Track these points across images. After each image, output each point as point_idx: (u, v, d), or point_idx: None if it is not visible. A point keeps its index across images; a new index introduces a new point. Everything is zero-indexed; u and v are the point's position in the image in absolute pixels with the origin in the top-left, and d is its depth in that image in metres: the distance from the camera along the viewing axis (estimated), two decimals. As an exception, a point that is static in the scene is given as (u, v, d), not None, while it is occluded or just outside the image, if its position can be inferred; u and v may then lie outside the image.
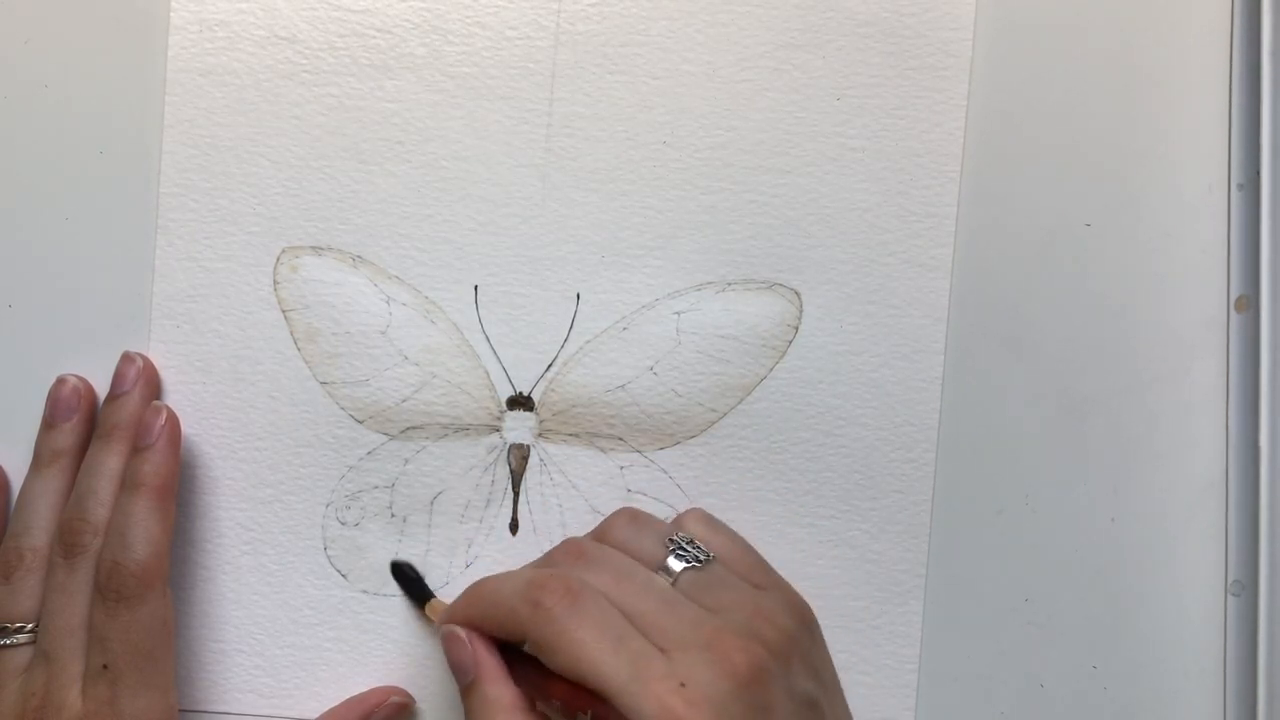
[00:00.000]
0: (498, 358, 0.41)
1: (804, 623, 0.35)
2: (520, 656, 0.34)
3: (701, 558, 0.35)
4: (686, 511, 0.38)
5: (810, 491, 0.41)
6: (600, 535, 0.37)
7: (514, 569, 0.37)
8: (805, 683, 0.34)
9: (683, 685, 0.31)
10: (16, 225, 0.41)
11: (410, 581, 0.41)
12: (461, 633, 0.35)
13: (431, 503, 0.41)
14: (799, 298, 0.41)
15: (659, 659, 0.32)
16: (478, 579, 0.36)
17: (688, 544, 0.36)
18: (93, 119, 0.41)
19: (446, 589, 0.41)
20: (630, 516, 0.37)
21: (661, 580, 0.35)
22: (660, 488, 0.41)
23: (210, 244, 0.41)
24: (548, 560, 0.37)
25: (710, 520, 0.38)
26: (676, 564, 0.35)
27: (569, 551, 0.36)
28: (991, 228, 0.41)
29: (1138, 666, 0.41)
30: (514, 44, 0.41)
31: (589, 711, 0.33)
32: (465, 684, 0.35)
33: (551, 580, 0.34)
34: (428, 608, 0.40)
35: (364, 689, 0.41)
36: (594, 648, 0.32)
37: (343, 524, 0.41)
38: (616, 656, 0.32)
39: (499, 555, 0.41)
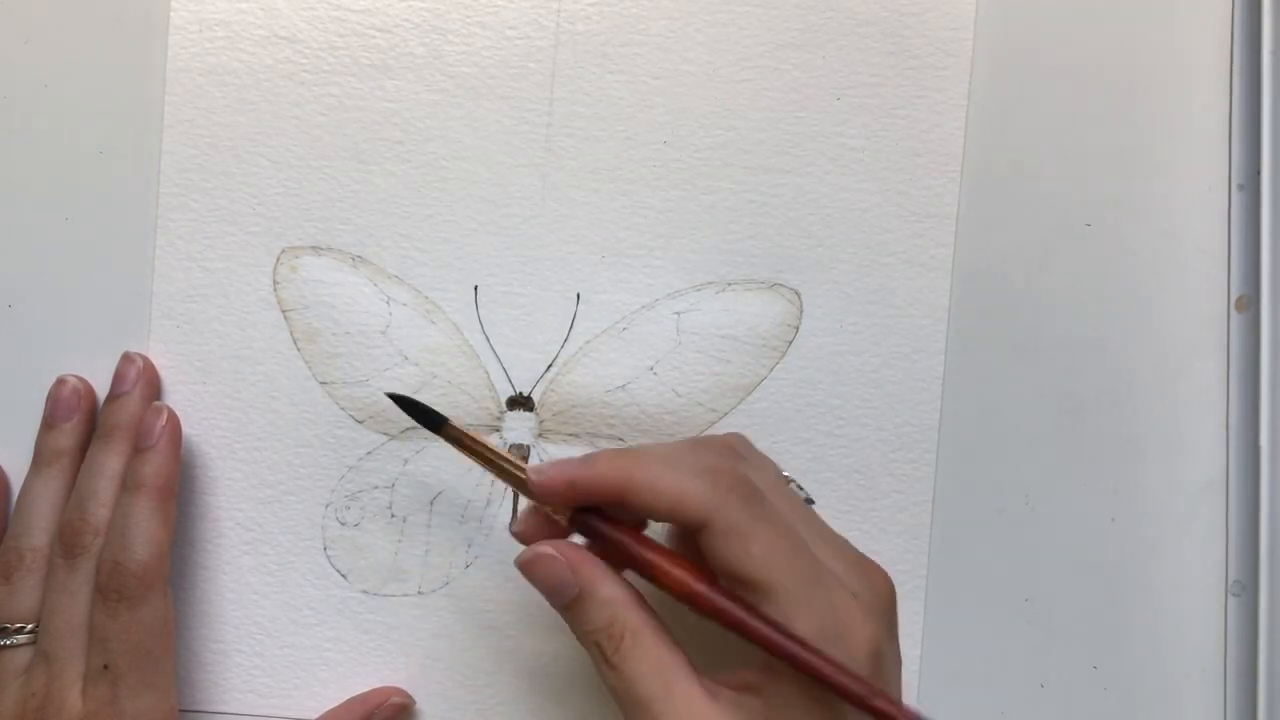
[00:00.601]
0: (498, 358, 0.41)
1: None
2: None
3: (810, 497, 0.35)
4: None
5: (810, 491, 0.41)
6: None
7: (652, 445, 0.34)
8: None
9: (855, 595, 0.31)
10: (16, 225, 0.41)
11: (414, 406, 0.37)
12: (554, 550, 0.33)
13: (431, 503, 0.41)
14: (799, 298, 0.41)
15: (829, 568, 0.31)
16: (605, 451, 0.33)
17: (796, 482, 0.35)
18: (93, 119, 0.41)
19: (446, 589, 0.41)
20: (745, 445, 0.35)
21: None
22: (660, 488, 0.41)
23: (210, 244, 0.41)
24: (699, 446, 0.34)
25: None
26: (797, 493, 0.34)
27: (720, 446, 0.34)
28: (991, 228, 0.41)
29: (1138, 666, 0.41)
30: (514, 44, 0.41)
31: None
32: (569, 598, 0.33)
33: (734, 472, 0.32)
34: (444, 432, 0.36)
35: (364, 689, 0.41)
36: (785, 545, 0.31)
37: (343, 524, 0.41)
38: (799, 559, 0.31)
39: (499, 555, 0.41)
